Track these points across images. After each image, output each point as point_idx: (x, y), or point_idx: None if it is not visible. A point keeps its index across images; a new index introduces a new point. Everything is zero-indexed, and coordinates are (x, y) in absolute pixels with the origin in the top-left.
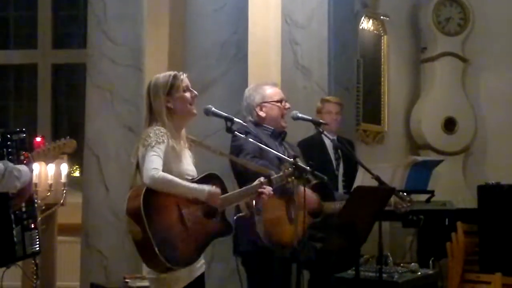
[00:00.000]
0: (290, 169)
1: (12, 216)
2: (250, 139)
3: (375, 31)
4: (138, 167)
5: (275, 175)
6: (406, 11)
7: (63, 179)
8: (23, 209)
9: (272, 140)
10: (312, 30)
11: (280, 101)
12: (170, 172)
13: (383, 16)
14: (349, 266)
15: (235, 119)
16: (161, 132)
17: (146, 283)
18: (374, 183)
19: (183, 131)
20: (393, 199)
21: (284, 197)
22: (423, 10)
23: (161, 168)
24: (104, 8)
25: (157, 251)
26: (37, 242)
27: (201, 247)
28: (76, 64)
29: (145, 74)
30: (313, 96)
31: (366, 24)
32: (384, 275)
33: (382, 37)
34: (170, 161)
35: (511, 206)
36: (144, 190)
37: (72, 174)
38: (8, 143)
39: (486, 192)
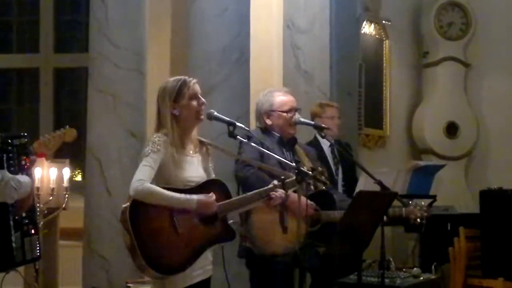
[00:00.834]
0: (295, 170)
1: (12, 222)
2: (252, 144)
3: (377, 36)
4: None
5: (289, 180)
6: (408, 16)
7: (65, 183)
8: (24, 215)
9: (278, 146)
10: (314, 35)
11: (288, 111)
12: (169, 180)
13: (385, 21)
14: (351, 271)
15: (237, 123)
16: (159, 140)
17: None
18: (376, 188)
19: (194, 136)
20: (404, 209)
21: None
22: (425, 15)
23: (149, 179)
24: (106, 12)
25: (143, 260)
26: (38, 248)
27: (195, 253)
28: (78, 68)
29: (147, 78)
30: (315, 101)
31: (368, 29)
32: (387, 280)
33: (384, 42)
34: (169, 168)
35: None
36: (131, 201)
37: (74, 178)
38: (9, 148)
39: (488, 197)
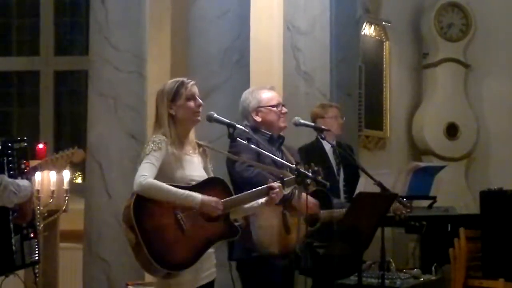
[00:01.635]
0: (294, 171)
1: (12, 225)
2: (252, 145)
3: (377, 37)
4: None
5: (287, 178)
6: (408, 17)
7: (66, 185)
8: None
9: (269, 145)
10: (314, 36)
11: (276, 105)
12: (172, 178)
13: (385, 22)
14: (351, 272)
15: (237, 125)
16: (159, 139)
17: None
18: (376, 189)
19: (191, 137)
20: (392, 205)
21: (281, 205)
22: (425, 16)
23: (152, 175)
24: (106, 15)
25: (150, 257)
26: (37, 252)
27: (201, 250)
28: (79, 71)
29: (148, 80)
30: (315, 102)
31: (368, 30)
32: (387, 281)
33: (384, 43)
34: (171, 167)
35: None
36: (134, 197)
37: (74, 181)
38: (9, 151)
39: (489, 197)
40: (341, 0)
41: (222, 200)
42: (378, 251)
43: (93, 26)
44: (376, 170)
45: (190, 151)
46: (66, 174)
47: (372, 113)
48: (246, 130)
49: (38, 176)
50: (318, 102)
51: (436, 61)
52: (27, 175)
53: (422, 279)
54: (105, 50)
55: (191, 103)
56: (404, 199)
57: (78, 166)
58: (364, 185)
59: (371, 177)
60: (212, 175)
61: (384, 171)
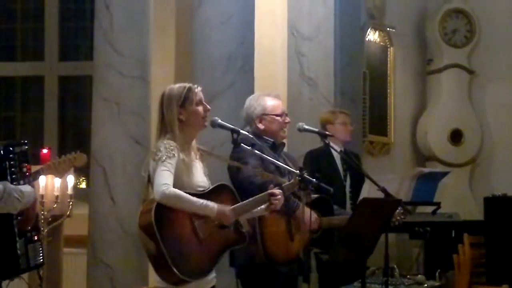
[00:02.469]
0: (299, 177)
1: (16, 229)
2: (256, 151)
3: (381, 43)
4: (150, 181)
5: (287, 183)
6: (413, 23)
7: (70, 190)
8: None
9: (271, 152)
10: (318, 42)
11: (280, 115)
12: (182, 185)
13: (389, 28)
14: (355, 278)
15: (241, 131)
16: (171, 146)
17: None
18: (381, 195)
19: (194, 143)
20: None
21: (285, 215)
22: (430, 22)
23: (171, 183)
24: (110, 20)
25: (171, 265)
26: (41, 254)
27: (216, 258)
28: (83, 76)
29: (152, 85)
30: (319, 108)
31: (373, 36)
32: (391, 287)
33: (389, 49)
34: (181, 174)
35: None
36: (155, 205)
37: (78, 186)
38: (11, 155)
39: (493, 203)
40: (346, 5)
41: (231, 207)
42: (382, 257)
43: (98, 32)
44: (380, 175)
45: (194, 157)
46: (70, 179)
47: (376, 119)
48: (250, 135)
49: (42, 181)
50: (322, 107)
51: (441, 67)
52: (29, 178)
53: (426, 285)
54: (109, 55)
55: (201, 108)
56: (409, 206)
57: (82, 171)
58: (368, 191)
59: (375, 183)
60: (208, 180)
61: (388, 176)
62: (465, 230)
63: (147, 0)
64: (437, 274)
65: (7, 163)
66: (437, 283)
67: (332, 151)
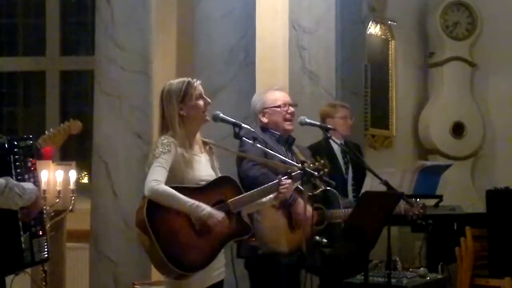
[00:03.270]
0: (301, 170)
1: (20, 223)
2: (258, 145)
3: (382, 36)
4: None
5: (296, 172)
6: (414, 16)
7: (72, 185)
8: None
9: (278, 145)
10: (319, 35)
11: (281, 105)
12: (182, 180)
13: (390, 21)
14: (358, 271)
15: (242, 124)
16: (168, 141)
17: None
18: (383, 188)
19: (198, 136)
20: (402, 205)
21: (286, 206)
22: (431, 15)
23: (163, 179)
24: (112, 15)
25: (165, 260)
26: (46, 249)
27: (215, 250)
28: (85, 71)
29: (153, 80)
30: (320, 101)
31: (374, 29)
32: (393, 280)
33: (390, 42)
34: (181, 168)
35: None
36: (147, 201)
37: (80, 181)
38: (15, 150)
39: (495, 196)
40: None
41: (230, 200)
42: (385, 250)
43: (99, 26)
44: (382, 169)
45: (198, 151)
46: (72, 174)
47: (378, 112)
48: (252, 129)
49: (44, 176)
50: (323, 101)
51: (442, 60)
52: (34, 173)
53: (428, 278)
54: (111, 50)
55: (201, 102)
56: (417, 199)
57: (84, 166)
58: (370, 184)
59: (377, 176)
60: (219, 173)
61: (390, 170)
62: (467, 223)
63: None
64: (439, 267)
65: (11, 157)
66: (439, 276)
67: (332, 144)
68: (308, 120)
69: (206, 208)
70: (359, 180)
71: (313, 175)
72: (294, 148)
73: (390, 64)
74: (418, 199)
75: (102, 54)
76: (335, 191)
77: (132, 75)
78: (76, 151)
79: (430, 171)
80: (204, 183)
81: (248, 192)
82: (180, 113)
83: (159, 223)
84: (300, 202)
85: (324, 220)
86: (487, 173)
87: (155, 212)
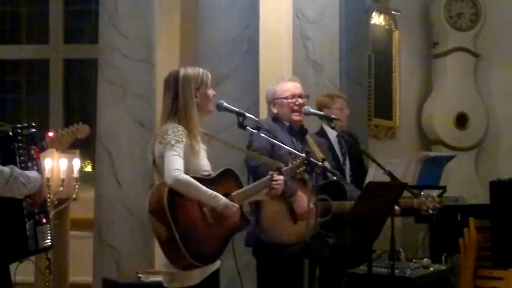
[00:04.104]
0: (298, 160)
1: (25, 211)
2: (262, 134)
3: (386, 26)
4: (155, 164)
5: (285, 167)
6: (418, 6)
7: (76, 174)
8: None
9: (288, 135)
10: (323, 25)
11: (290, 97)
12: (188, 170)
13: (394, 11)
14: (361, 262)
15: (246, 114)
16: (179, 130)
17: (158, 278)
18: (386, 179)
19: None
20: (416, 200)
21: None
22: (435, 5)
23: (183, 169)
24: (115, 3)
25: (184, 250)
26: (49, 237)
27: (224, 243)
28: (88, 59)
29: (157, 68)
30: (324, 91)
31: (378, 19)
32: (397, 271)
33: (394, 32)
34: (188, 158)
35: None
36: (167, 189)
37: (84, 169)
38: (18, 137)
39: (499, 187)
40: None
41: (234, 193)
42: (388, 240)
43: (102, 14)
44: (385, 159)
45: (199, 141)
46: (76, 162)
47: (381, 103)
48: (256, 119)
49: (48, 164)
50: (327, 91)
51: (446, 50)
52: (37, 160)
53: (432, 268)
54: (114, 38)
55: (210, 92)
56: (415, 189)
57: (87, 154)
58: (373, 174)
59: (381, 167)
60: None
61: (394, 160)
62: (471, 214)
63: None
64: (443, 257)
65: (15, 145)
66: (443, 267)
67: (329, 135)
68: (312, 110)
69: (223, 199)
70: (357, 171)
71: (316, 165)
72: (308, 138)
73: (393, 55)
74: (424, 191)
75: (106, 42)
76: (341, 182)
77: (135, 64)
78: (80, 139)
79: (434, 162)
80: (206, 173)
81: (248, 186)
82: (195, 100)
83: (178, 212)
84: (300, 194)
85: (329, 211)
86: (490, 164)
87: (175, 201)
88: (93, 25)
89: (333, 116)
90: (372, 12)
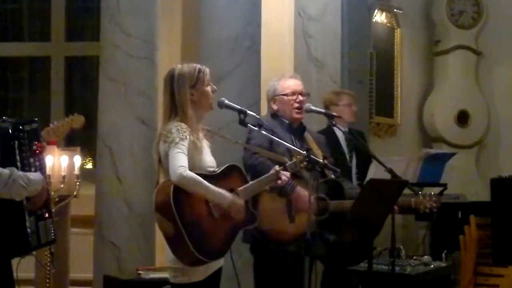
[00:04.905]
0: (305, 158)
1: (26, 210)
2: (263, 131)
3: (388, 24)
4: (160, 163)
5: (290, 162)
6: (420, 4)
7: (76, 171)
8: None
9: (287, 133)
10: (325, 23)
11: (290, 94)
12: (193, 167)
13: (396, 9)
14: (362, 259)
15: (248, 111)
16: (182, 128)
17: (159, 275)
18: (387, 176)
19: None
20: (413, 199)
21: (284, 194)
22: (437, 3)
23: (187, 166)
24: (117, 1)
25: (190, 246)
26: (52, 231)
27: (230, 238)
28: (90, 56)
29: (158, 66)
30: (326, 89)
31: (380, 17)
32: (397, 268)
33: (396, 30)
34: (192, 155)
35: None
36: (172, 186)
37: (85, 166)
38: (20, 134)
39: (499, 185)
40: None
41: (239, 189)
42: (389, 238)
43: (104, 12)
44: (387, 157)
45: (202, 137)
46: (77, 159)
47: (383, 100)
48: (257, 116)
49: (49, 161)
50: (329, 89)
51: (448, 48)
52: (40, 156)
53: (432, 266)
54: (116, 35)
55: (209, 89)
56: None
57: (88, 151)
58: (374, 172)
59: (382, 164)
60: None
61: (395, 158)
62: (471, 211)
63: None
64: (443, 255)
65: (16, 142)
66: (443, 264)
67: (337, 132)
68: (313, 108)
69: (229, 196)
70: (363, 168)
71: (318, 163)
72: (306, 135)
73: (395, 52)
74: (422, 190)
75: (107, 40)
76: (341, 181)
77: (137, 61)
78: (81, 136)
79: (435, 159)
80: (211, 169)
81: (253, 181)
82: (191, 98)
83: (184, 209)
84: (300, 189)
85: (327, 210)
86: (491, 162)
87: (181, 198)
88: (95, 23)
89: (334, 113)
90: (374, 10)
